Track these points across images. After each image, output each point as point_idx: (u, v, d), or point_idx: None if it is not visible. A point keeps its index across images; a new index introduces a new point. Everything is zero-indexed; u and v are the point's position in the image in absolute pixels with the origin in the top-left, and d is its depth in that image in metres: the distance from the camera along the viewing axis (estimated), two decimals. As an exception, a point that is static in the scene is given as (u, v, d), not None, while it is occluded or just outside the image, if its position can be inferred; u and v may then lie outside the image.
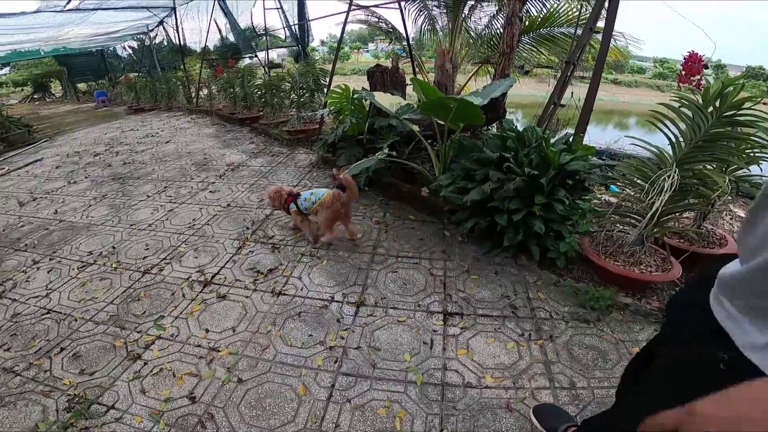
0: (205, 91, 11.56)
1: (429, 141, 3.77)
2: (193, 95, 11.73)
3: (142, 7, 11.71)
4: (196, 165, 5.78)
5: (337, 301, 2.64)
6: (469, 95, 3.70)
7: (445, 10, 6.75)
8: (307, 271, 3.00)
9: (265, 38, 10.18)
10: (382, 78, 4.74)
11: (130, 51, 18.30)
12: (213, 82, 10.79)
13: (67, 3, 9.42)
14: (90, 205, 4.56)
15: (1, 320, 2.74)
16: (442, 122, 3.45)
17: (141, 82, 13.52)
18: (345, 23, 6.16)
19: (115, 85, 18.38)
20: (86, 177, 5.75)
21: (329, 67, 6.52)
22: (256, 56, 12.16)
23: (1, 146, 8.74)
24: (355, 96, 4.29)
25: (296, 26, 10.14)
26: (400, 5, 6.19)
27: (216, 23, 12.35)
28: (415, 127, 3.79)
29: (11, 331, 2.62)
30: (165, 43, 15.48)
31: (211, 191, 4.59)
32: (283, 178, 4.80)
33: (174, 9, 12.31)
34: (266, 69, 9.34)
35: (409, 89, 4.81)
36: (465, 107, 3.06)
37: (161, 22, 14.14)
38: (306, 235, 3.34)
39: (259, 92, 8.01)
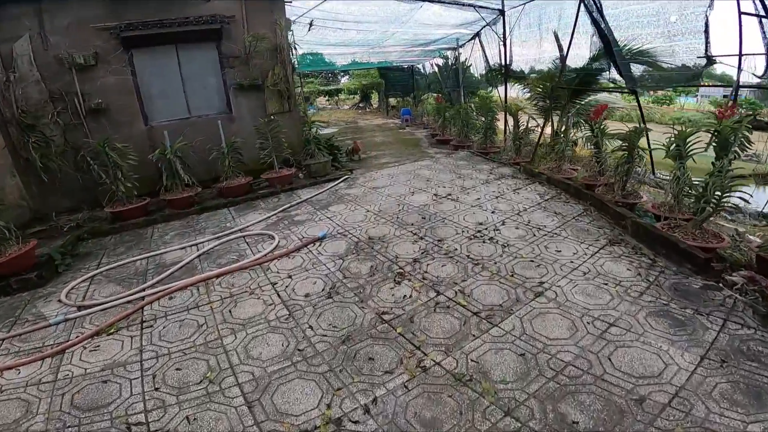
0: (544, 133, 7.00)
1: None
2: (519, 139, 7.37)
3: (470, 5, 8.11)
4: None
5: None
6: None
7: None
8: None
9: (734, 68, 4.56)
10: None
11: (435, 69, 16.21)
12: (574, 130, 6.09)
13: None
14: None
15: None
16: None
17: (453, 111, 10.31)
18: None
19: (417, 103, 16.76)
20: (400, 365, 1.91)
21: None
22: (635, 92, 6.63)
23: (302, 175, 6.72)
24: None
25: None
26: None
27: (556, 37, 7.56)
28: None
29: None
30: (469, 63, 12.04)
31: None
32: None
33: (502, 12, 8.22)
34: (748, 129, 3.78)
35: None
36: None
37: (477, 35, 10.52)
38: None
39: None
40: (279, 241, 3.99)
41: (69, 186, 5.56)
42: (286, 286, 3.22)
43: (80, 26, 5.24)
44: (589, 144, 5.95)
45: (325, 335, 2.66)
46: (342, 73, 25.67)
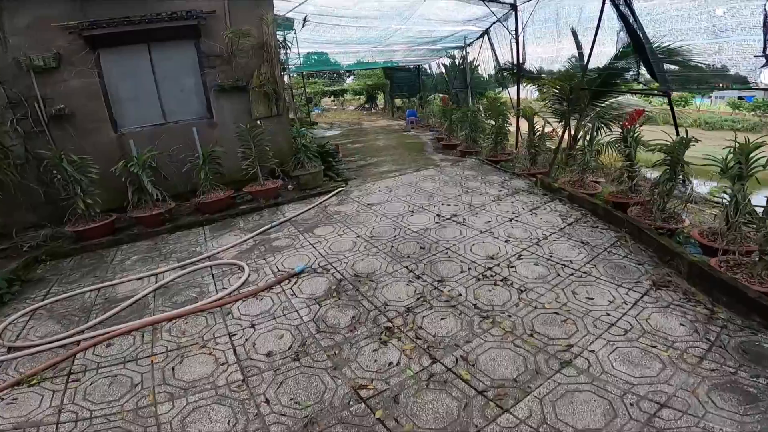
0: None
1: None
2: (535, 146, 6.69)
3: (477, -2, 7.52)
4: None
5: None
6: None
7: None
8: None
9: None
10: None
11: (442, 69, 15.65)
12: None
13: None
14: None
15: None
16: None
17: (460, 113, 9.66)
18: None
19: (423, 105, 16.23)
20: None
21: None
22: (667, 94, 5.91)
23: (291, 187, 6.17)
24: None
25: None
26: None
27: (574, 34, 6.94)
28: None
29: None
30: (478, 62, 11.44)
31: None
32: None
33: (514, 6, 7.63)
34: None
35: None
36: None
37: (486, 32, 9.90)
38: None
39: None
40: (249, 275, 3.42)
41: (33, 200, 5.10)
42: (246, 339, 2.64)
43: (42, 25, 4.76)
44: (614, 151, 5.30)
45: (284, 414, 2.08)
46: (347, 74, 25.22)
